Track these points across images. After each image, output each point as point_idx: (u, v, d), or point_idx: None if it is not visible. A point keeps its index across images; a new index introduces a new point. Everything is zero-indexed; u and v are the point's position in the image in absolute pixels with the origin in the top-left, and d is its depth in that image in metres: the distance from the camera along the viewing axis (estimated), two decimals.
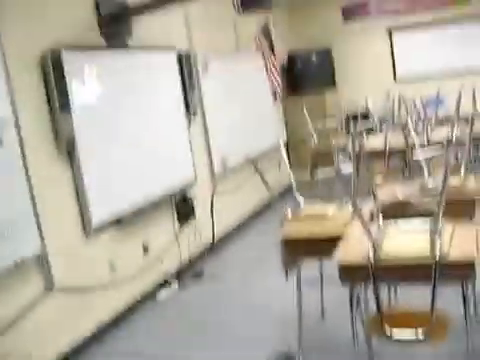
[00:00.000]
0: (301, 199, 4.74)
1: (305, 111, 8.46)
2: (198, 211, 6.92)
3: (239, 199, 8.24)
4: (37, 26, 4.69)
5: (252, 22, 8.78)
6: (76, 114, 4.88)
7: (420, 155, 5.18)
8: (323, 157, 8.29)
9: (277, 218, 8.78)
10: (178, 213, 6.56)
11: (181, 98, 6.70)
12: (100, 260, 5.31)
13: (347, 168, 7.89)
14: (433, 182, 4.93)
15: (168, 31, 6.66)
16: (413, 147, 6.23)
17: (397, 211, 4.05)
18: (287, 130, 10.27)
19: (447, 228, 3.52)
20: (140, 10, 5.57)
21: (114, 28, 5.54)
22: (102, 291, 5.27)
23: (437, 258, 3.18)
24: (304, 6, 10.76)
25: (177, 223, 6.56)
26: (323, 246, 4.11)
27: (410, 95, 9.12)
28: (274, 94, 9.39)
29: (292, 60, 10.54)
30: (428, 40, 10.73)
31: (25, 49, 4.55)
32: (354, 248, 3.59)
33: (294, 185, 4.80)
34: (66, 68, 4.77)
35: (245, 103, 8.49)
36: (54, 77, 4.68)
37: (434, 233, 3.34)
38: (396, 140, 7.45)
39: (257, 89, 9.00)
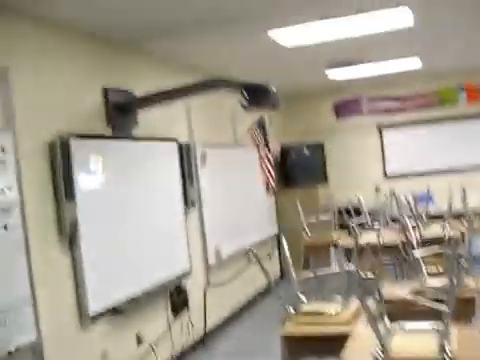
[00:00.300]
0: (302, 296, 4.64)
1: (298, 204, 8.48)
2: (191, 302, 6.81)
3: (232, 290, 8.17)
4: (47, 113, 4.73)
5: (249, 116, 8.91)
6: (80, 202, 4.85)
7: (418, 253, 5.16)
8: (315, 250, 8.29)
9: (269, 311, 8.79)
10: (172, 304, 6.46)
11: (180, 189, 6.71)
12: (94, 350, 5.16)
13: (342, 264, 7.91)
14: (432, 282, 4.92)
15: (170, 123, 6.76)
16: (407, 244, 6.24)
17: (401, 311, 4.00)
18: (278, 222, 10.27)
19: (454, 330, 3.47)
20: (146, 102, 5.65)
21: (121, 118, 5.60)
22: None
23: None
24: (298, 102, 10.98)
25: (171, 314, 6.44)
26: (327, 345, 4.06)
27: (398, 191, 9.20)
28: (267, 186, 9.44)
29: (285, 153, 10.65)
30: (417, 138, 10.96)
31: (35, 135, 4.57)
32: (362, 348, 3.53)
33: (295, 280, 4.71)
34: (73, 156, 4.79)
35: (240, 195, 8.54)
36: (62, 164, 4.68)
37: (444, 336, 3.29)
38: (388, 236, 7.48)
39: (251, 181, 9.05)
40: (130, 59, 6.11)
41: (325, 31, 6.11)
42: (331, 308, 4.37)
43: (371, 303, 3.73)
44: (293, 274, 4.81)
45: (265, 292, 9.50)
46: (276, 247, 10.35)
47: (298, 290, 4.70)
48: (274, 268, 10.26)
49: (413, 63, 8.97)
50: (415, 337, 3.60)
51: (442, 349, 3.24)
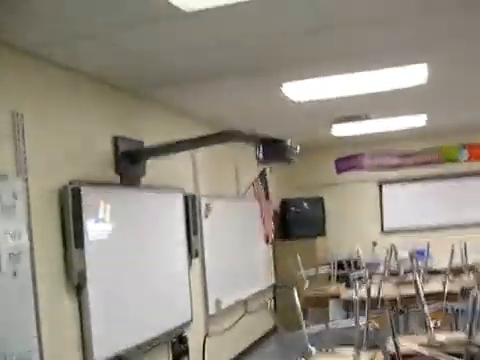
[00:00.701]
0: (313, 349, 4.59)
1: (298, 257, 8.45)
2: (191, 351, 6.72)
3: (230, 339, 8.10)
4: (57, 159, 4.70)
5: (251, 169, 8.94)
6: (88, 249, 4.82)
7: (426, 308, 5.11)
8: (314, 303, 8.23)
9: (269, 357, 8.72)
10: (173, 353, 6.36)
11: (184, 239, 6.69)
12: None
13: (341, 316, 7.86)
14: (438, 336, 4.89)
15: (176, 173, 6.77)
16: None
17: None
18: (276, 274, 10.21)
19: None
20: (157, 152, 5.65)
21: (129, 167, 5.59)
22: None
23: None
24: (300, 156, 10.98)
25: None
26: None
27: (396, 245, 9.23)
28: (266, 238, 9.42)
29: (285, 206, 10.66)
30: (416, 194, 11.01)
31: (45, 182, 4.53)
32: None
33: (305, 332, 4.65)
34: (84, 204, 4.76)
35: (239, 246, 8.52)
36: (72, 212, 4.65)
37: None
38: (386, 290, 7.46)
39: (251, 233, 9.03)
40: (141, 108, 6.14)
41: (336, 86, 6.16)
42: None
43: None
44: (304, 325, 4.77)
45: (261, 340, 9.44)
46: (272, 298, 10.28)
47: (308, 342, 4.65)
48: (268, 318, 10.14)
49: (418, 120, 9.04)
50: None
51: None
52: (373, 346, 4.62)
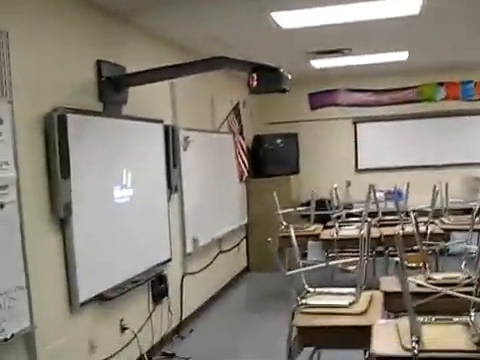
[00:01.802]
0: (307, 286, 4.54)
1: (275, 195, 8.38)
2: (171, 290, 6.66)
3: (208, 278, 8.12)
4: (41, 83, 4.46)
5: (226, 103, 8.82)
6: (74, 180, 4.63)
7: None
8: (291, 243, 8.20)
9: (240, 298, 8.75)
10: (153, 292, 6.28)
11: (164, 173, 6.53)
12: (82, 338, 4.95)
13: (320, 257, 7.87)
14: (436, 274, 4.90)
15: (156, 104, 6.57)
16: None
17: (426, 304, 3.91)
18: (249, 212, 10.15)
19: None
20: (140, 78, 5.43)
21: (112, 94, 5.38)
22: None
23: None
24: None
25: (152, 302, 6.28)
26: (338, 336, 3.99)
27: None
28: (240, 175, 9.35)
29: (258, 142, 10.52)
30: (391, 133, 10.98)
31: (30, 107, 4.31)
32: (389, 340, 3.43)
33: (302, 270, 4.59)
34: (69, 131, 4.55)
35: (215, 183, 8.38)
36: (58, 140, 4.44)
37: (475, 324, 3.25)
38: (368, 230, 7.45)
39: (226, 169, 8.95)
40: (124, 33, 5.89)
41: (326, 15, 6.02)
42: (343, 302, 4.27)
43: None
44: (301, 265, 4.71)
45: (236, 280, 9.47)
46: (245, 238, 10.26)
47: (305, 281, 4.60)
48: (241, 259, 10.16)
49: (399, 57, 8.96)
50: (445, 329, 3.53)
51: (478, 340, 3.18)
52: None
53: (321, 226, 8.64)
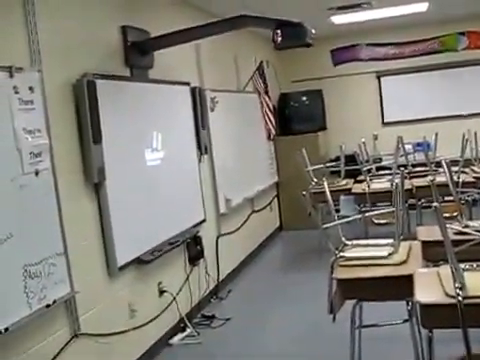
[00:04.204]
0: (346, 240, 4.45)
1: (304, 152, 8.28)
2: (206, 252, 6.61)
3: (242, 237, 8.09)
4: (68, 51, 4.39)
5: (250, 64, 8.70)
6: (106, 145, 4.58)
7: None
8: (323, 199, 8.10)
9: (277, 257, 8.73)
10: (189, 254, 6.25)
11: (194, 134, 6.46)
12: (121, 301, 4.94)
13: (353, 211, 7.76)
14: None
15: (181, 67, 6.49)
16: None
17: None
18: (278, 169, 10.06)
19: None
20: (164, 41, 5.33)
21: (139, 59, 5.31)
22: (122, 336, 4.89)
23: None
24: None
25: (188, 264, 6.25)
26: (378, 288, 3.91)
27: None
28: (268, 134, 9.27)
29: (284, 101, 10.40)
30: (415, 85, 10.80)
31: (59, 75, 4.25)
32: (432, 288, 3.35)
33: (338, 222, 4.50)
34: (99, 97, 4.48)
35: (244, 142, 8.30)
36: (88, 106, 4.37)
37: None
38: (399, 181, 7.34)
39: (254, 129, 8.88)
40: None
41: None
42: (382, 252, 4.18)
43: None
44: (335, 217, 4.63)
45: (270, 239, 9.43)
46: (276, 196, 10.19)
47: (342, 234, 4.51)
48: (274, 218, 10.11)
49: (419, 7, 8.75)
50: None
51: None
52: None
53: (352, 181, 8.53)
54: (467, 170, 8.02)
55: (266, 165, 9.49)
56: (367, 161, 8.74)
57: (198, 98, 6.54)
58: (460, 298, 3.10)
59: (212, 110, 7.05)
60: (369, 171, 8.45)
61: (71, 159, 4.35)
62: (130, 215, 4.99)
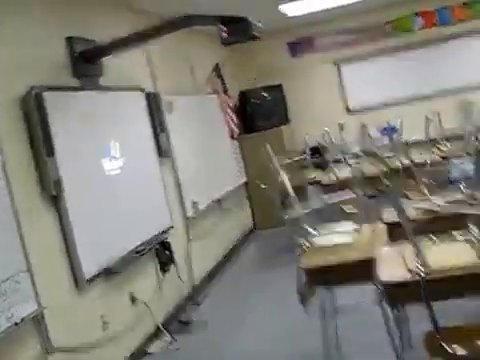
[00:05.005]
0: (310, 229, 4.58)
1: (268, 147, 8.37)
2: (177, 257, 6.69)
3: (214, 240, 8.19)
4: (14, 66, 4.47)
5: (206, 64, 8.80)
6: (60, 157, 4.66)
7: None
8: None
9: (251, 256, 8.81)
10: (159, 261, 6.32)
11: (152, 139, 6.55)
12: (93, 315, 5.02)
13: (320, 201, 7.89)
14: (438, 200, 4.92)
15: (133, 72, 6.55)
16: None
17: (428, 226, 3.96)
18: (246, 170, 10.15)
19: None
20: (112, 49, 5.42)
21: (87, 68, 5.39)
22: (97, 349, 4.97)
23: None
24: (252, 44, 10.75)
25: (159, 271, 6.33)
26: (352, 270, 4.03)
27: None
28: (231, 133, 9.36)
29: (244, 98, 10.47)
30: (376, 70, 10.92)
31: (6, 90, 4.33)
32: (395, 267, 3.48)
33: (302, 213, 4.62)
34: (48, 109, 4.56)
35: (207, 143, 8.39)
36: (38, 119, 4.46)
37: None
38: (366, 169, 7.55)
39: (215, 129, 8.96)
40: (90, 6, 5.85)
41: None
42: (346, 237, 4.31)
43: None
44: (299, 207, 4.74)
45: (244, 240, 9.52)
46: (246, 196, 10.29)
47: (306, 223, 4.63)
48: (246, 218, 10.20)
49: None
50: (449, 248, 3.58)
51: None
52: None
53: (320, 172, 8.67)
54: (434, 150, 8.20)
55: (232, 165, 9.58)
56: (333, 151, 8.87)
57: (153, 103, 6.62)
58: (422, 274, 3.22)
59: (170, 113, 7.12)
60: (337, 160, 8.59)
61: (26, 173, 4.42)
62: (93, 226, 5.06)
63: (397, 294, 3.38)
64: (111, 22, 6.24)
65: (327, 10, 9.55)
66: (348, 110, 11.10)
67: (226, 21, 4.81)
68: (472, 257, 3.29)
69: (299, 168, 9.01)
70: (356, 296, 4.52)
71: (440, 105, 9.80)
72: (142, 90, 6.53)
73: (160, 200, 6.53)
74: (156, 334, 5.97)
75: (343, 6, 9.47)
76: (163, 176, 6.71)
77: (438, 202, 4.87)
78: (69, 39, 5.27)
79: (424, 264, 3.25)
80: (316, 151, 8.68)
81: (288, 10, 9.07)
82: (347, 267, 4.00)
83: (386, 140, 9.43)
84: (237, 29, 4.84)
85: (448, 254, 3.48)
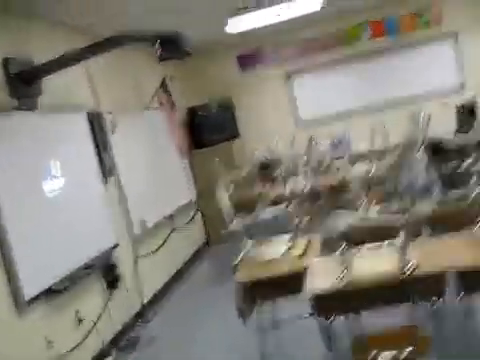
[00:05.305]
0: (249, 243, 4.71)
1: (216, 162, 8.52)
2: (125, 276, 6.78)
3: (164, 257, 8.26)
4: None
5: (153, 79, 8.88)
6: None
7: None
8: (242, 206, 8.35)
9: (202, 273, 8.88)
10: (106, 279, 6.40)
11: (95, 159, 6.63)
12: (36, 336, 5.07)
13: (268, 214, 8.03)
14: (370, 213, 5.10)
15: (74, 91, 6.61)
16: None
17: (359, 237, 4.12)
18: (196, 185, 10.24)
19: (413, 245, 3.63)
20: (50, 68, 5.49)
21: (24, 89, 5.44)
22: None
23: (408, 272, 3.28)
24: (200, 59, 10.91)
25: (106, 290, 6.40)
26: (282, 285, 4.15)
27: (315, 137, 9.47)
28: (180, 150, 9.45)
29: (193, 114, 10.55)
30: (327, 81, 11.10)
31: None
32: (322, 277, 3.62)
33: (239, 228, 4.76)
34: None
35: (154, 161, 8.49)
36: None
37: (403, 249, 3.44)
38: (313, 181, 7.72)
39: (164, 145, 9.03)
40: (27, 27, 5.91)
41: None
42: (280, 250, 4.44)
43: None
44: (236, 221, 4.87)
45: (197, 256, 9.60)
46: (199, 212, 10.37)
47: (245, 236, 4.76)
48: (199, 234, 10.29)
49: (317, 3, 9.00)
50: (374, 256, 3.73)
51: (402, 261, 3.38)
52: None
53: (268, 185, 8.80)
54: (380, 161, 8.41)
55: (182, 181, 9.66)
56: (283, 164, 9.02)
57: (95, 121, 6.70)
58: (344, 282, 3.38)
59: (113, 131, 7.19)
60: (288, 174, 8.73)
61: None
62: (34, 246, 5.13)
63: (324, 304, 3.52)
64: (48, 41, 6.30)
65: (274, 23, 9.64)
66: (299, 123, 11.24)
67: (160, 38, 4.93)
68: (393, 265, 3.44)
69: (249, 182, 9.14)
70: (299, 308, 4.63)
71: (390, 116, 10.05)
72: (83, 109, 6.62)
73: (104, 219, 6.61)
74: (104, 353, 6.03)
75: (289, 20, 9.59)
76: (108, 195, 6.79)
77: (372, 213, 5.04)
78: (5, 60, 5.33)
79: (347, 274, 3.40)
80: (266, 165, 8.80)
81: (233, 26, 9.14)
82: (279, 280, 4.12)
83: (337, 152, 9.62)
84: (171, 46, 4.97)
85: (373, 263, 3.63)
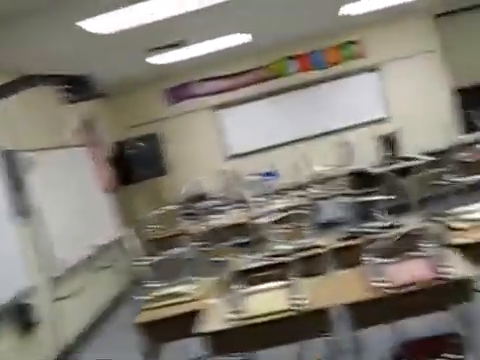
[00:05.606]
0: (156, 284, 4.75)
1: (138, 200, 8.56)
2: (43, 318, 6.70)
3: (90, 298, 8.23)
4: None
5: (75, 116, 8.88)
6: None
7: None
8: (164, 242, 8.37)
9: (127, 314, 8.79)
10: (19, 324, 6.30)
11: (6, 201, 6.56)
12: None
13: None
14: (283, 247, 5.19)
15: None
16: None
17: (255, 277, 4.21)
18: (124, 221, 10.21)
19: (304, 283, 3.72)
20: None
21: None
22: None
23: (299, 308, 3.37)
24: (125, 94, 10.99)
25: (20, 334, 6.30)
26: (186, 324, 4.18)
27: (244, 170, 9.61)
28: (105, 187, 9.45)
29: (119, 149, 10.54)
30: (254, 114, 11.27)
31: None
32: (216, 317, 3.69)
33: (146, 270, 4.80)
34: None
35: (77, 199, 8.47)
36: None
37: (293, 287, 3.53)
38: (237, 216, 7.82)
39: (87, 183, 9.02)
40: None
41: (143, 14, 5.97)
42: (185, 288, 4.49)
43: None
44: (143, 261, 4.91)
45: (126, 294, 9.51)
46: (125, 250, 10.31)
47: (151, 277, 4.80)
48: (127, 272, 10.23)
49: (242, 38, 9.18)
50: (268, 296, 3.81)
51: (292, 299, 3.47)
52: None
53: (191, 221, 8.86)
54: (305, 193, 8.57)
55: (106, 219, 9.62)
56: (211, 199, 9.10)
57: (9, 160, 6.65)
58: (234, 322, 3.44)
59: (30, 170, 7.15)
60: (207, 210, 8.80)
61: None
62: None
63: (216, 343, 3.58)
64: None
65: (200, 57, 9.78)
66: (228, 156, 11.34)
67: (70, 81, 4.97)
68: (284, 303, 3.52)
69: (172, 219, 9.18)
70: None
71: (318, 147, 10.28)
72: None
73: (15, 262, 6.50)
74: None
75: (215, 53, 9.75)
76: (21, 236, 6.73)
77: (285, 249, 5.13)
78: None
79: (239, 311, 3.47)
80: (192, 200, 8.87)
81: (155, 60, 9.23)
82: (181, 320, 4.16)
83: (263, 186, 9.75)
84: (81, 88, 5.02)
85: (268, 301, 3.71)
